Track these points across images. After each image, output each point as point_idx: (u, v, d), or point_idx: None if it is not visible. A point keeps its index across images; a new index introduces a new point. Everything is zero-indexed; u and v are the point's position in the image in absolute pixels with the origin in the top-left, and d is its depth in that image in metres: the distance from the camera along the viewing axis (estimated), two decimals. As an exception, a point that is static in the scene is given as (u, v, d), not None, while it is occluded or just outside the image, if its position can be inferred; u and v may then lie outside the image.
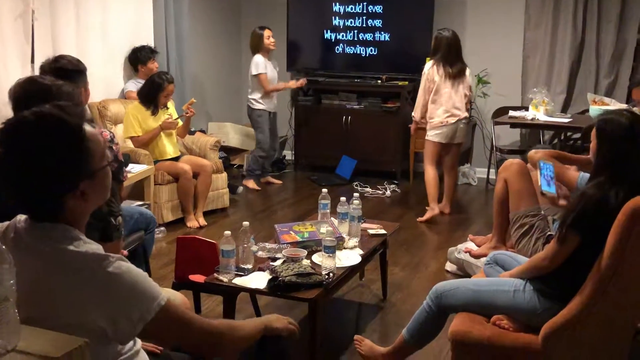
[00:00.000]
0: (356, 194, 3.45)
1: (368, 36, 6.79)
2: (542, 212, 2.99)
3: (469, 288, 2.49)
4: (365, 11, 6.74)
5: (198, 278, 2.95)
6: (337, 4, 6.83)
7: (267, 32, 6.08)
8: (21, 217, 1.48)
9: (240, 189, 6.08)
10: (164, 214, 4.91)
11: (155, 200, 4.82)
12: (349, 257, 3.06)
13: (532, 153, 3.14)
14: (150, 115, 4.90)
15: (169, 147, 5.04)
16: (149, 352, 1.68)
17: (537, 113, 5.45)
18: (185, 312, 1.51)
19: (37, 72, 3.17)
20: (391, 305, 3.63)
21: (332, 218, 3.42)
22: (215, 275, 2.78)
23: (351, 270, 3.05)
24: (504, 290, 2.40)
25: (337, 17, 6.88)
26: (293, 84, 6.45)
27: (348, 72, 6.94)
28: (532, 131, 6.39)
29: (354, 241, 3.24)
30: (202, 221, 5.07)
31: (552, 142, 6.31)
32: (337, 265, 2.87)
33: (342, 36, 6.89)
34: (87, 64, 2.92)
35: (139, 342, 1.59)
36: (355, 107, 6.77)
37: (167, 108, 5.03)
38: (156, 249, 4.22)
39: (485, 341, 2.32)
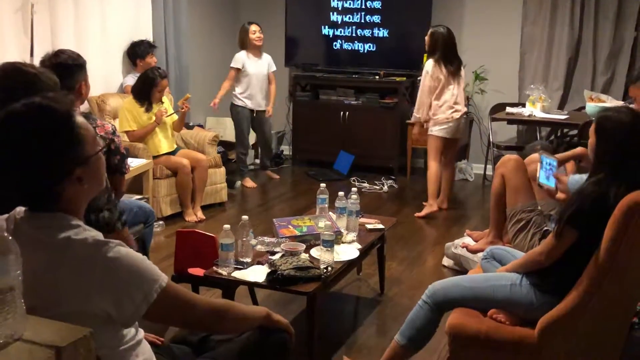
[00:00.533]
0: (354, 189, 3.47)
1: (366, 32, 6.79)
2: (539, 208, 3.01)
3: (465, 284, 2.51)
4: (363, 7, 6.74)
5: (197, 271, 2.97)
6: (335, -1, 6.84)
7: (253, 27, 5.91)
8: (20, 209, 1.49)
9: (238, 183, 6.11)
10: (162, 208, 4.93)
11: (154, 194, 4.83)
12: (347, 251, 3.08)
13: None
14: (144, 112, 4.86)
15: (164, 142, 5.02)
16: (150, 343, 1.70)
17: (534, 109, 5.46)
18: (187, 292, 1.58)
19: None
20: (388, 300, 3.66)
21: (330, 212, 3.44)
22: (215, 268, 2.80)
23: (349, 265, 3.07)
24: (501, 284, 2.42)
25: (335, 13, 6.88)
26: (216, 102, 5.96)
27: (346, 68, 6.94)
28: (529, 127, 6.40)
29: (352, 235, 3.26)
30: (201, 215, 5.08)
31: (548, 138, 6.32)
32: (335, 259, 2.90)
33: (341, 32, 6.90)
34: (86, 58, 2.92)
35: (141, 331, 1.61)
36: (353, 102, 6.78)
37: (162, 103, 5.01)
38: (155, 243, 4.24)
39: (483, 335, 2.34)
